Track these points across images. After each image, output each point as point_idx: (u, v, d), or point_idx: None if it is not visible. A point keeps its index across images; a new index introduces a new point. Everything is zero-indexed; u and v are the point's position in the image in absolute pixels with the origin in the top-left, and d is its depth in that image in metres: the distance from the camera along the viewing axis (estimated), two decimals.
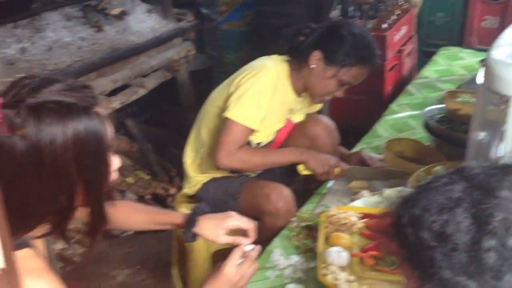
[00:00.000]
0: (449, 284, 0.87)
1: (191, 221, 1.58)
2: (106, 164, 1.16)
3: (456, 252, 0.87)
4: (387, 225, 1.01)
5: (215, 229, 1.57)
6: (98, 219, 1.20)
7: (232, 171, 2.27)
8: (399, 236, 0.96)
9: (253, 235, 1.55)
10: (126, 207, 1.66)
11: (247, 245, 1.48)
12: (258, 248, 1.47)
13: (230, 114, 2.06)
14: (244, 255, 1.43)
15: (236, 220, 1.58)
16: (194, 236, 1.59)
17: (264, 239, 2.03)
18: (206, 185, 2.27)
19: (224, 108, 2.11)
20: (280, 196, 2.08)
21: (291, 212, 2.09)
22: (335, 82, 2.14)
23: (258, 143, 2.24)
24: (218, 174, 2.28)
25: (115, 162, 1.23)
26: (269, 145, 2.30)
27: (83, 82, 1.16)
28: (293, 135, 2.39)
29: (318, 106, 2.51)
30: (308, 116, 2.45)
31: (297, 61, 2.19)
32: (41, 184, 1.06)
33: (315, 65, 2.13)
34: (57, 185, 1.08)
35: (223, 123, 2.10)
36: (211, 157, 2.20)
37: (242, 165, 2.13)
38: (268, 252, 1.87)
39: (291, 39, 2.21)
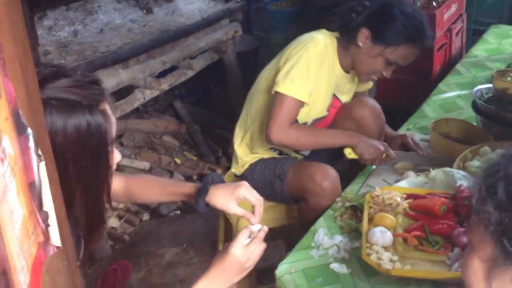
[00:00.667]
0: None
1: (202, 190, 1.53)
2: (105, 165, 1.15)
3: None
4: (488, 184, 0.94)
5: (225, 198, 1.51)
6: (94, 221, 1.19)
7: (281, 152, 2.30)
8: (507, 211, 0.89)
9: (260, 211, 1.51)
10: (141, 180, 1.65)
11: (255, 225, 1.44)
12: (265, 228, 1.43)
13: (280, 88, 2.08)
14: (252, 235, 1.39)
15: (246, 191, 1.51)
16: (207, 206, 1.53)
17: (309, 219, 2.07)
18: (253, 166, 2.31)
19: (273, 83, 2.12)
20: (326, 176, 2.10)
21: (336, 192, 2.11)
22: (381, 61, 2.13)
23: (305, 122, 2.24)
24: (266, 155, 2.32)
25: (117, 156, 1.22)
26: (321, 121, 2.30)
27: (92, 77, 1.15)
28: (339, 117, 2.40)
29: (367, 86, 2.50)
30: (355, 97, 2.45)
31: (347, 38, 2.19)
32: None
33: (362, 43, 2.13)
34: None
35: (274, 98, 2.11)
36: (261, 135, 2.24)
37: (293, 142, 2.15)
38: (312, 231, 1.90)
39: (344, 16, 2.21)
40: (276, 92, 2.09)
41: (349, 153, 2.19)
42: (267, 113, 2.16)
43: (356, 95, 2.48)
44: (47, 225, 0.78)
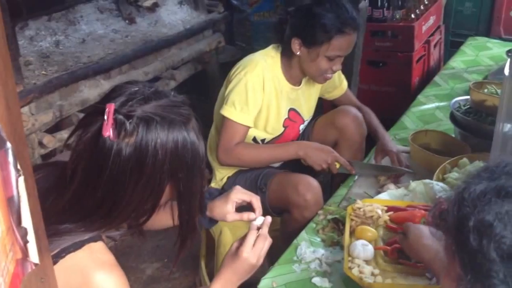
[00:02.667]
0: None
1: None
2: (200, 178, 1.23)
3: None
4: (439, 211, 0.96)
5: (221, 207, 1.57)
6: (187, 231, 1.28)
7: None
8: (458, 235, 0.89)
9: (258, 206, 1.55)
10: None
11: (257, 219, 1.48)
12: (268, 220, 1.47)
13: (224, 111, 2.13)
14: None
15: (239, 193, 1.58)
16: (211, 220, 1.61)
17: (291, 230, 2.07)
18: (232, 179, 2.31)
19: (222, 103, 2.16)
20: (308, 187, 2.11)
21: (319, 203, 2.12)
22: (323, 60, 2.13)
23: (263, 140, 2.28)
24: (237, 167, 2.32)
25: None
26: (276, 140, 2.32)
27: (182, 98, 1.24)
28: (321, 126, 2.42)
29: (340, 90, 2.51)
30: (339, 105, 2.49)
31: (286, 51, 2.21)
32: (136, 188, 1.14)
33: (298, 51, 2.15)
34: (148, 191, 1.16)
35: (222, 120, 2.16)
36: None
37: (238, 162, 2.19)
38: (294, 245, 1.90)
39: (277, 30, 2.22)
40: (222, 115, 2.13)
41: (303, 161, 2.20)
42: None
43: (340, 101, 2.51)
44: (26, 242, 0.78)
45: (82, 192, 1.15)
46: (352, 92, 3.07)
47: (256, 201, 1.57)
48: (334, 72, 2.21)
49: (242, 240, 1.41)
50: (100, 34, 3.51)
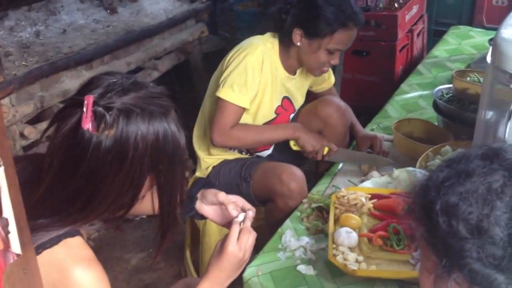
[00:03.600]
0: (478, 275, 0.85)
1: (190, 201, 1.53)
2: (181, 169, 1.22)
3: (490, 246, 0.84)
4: (409, 204, 0.98)
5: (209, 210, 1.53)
6: (168, 223, 1.26)
7: (240, 150, 2.31)
8: (427, 221, 0.91)
9: (239, 202, 1.50)
10: None
11: (239, 215, 1.43)
12: (249, 214, 1.43)
13: (220, 93, 2.11)
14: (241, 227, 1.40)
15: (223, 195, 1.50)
16: (201, 216, 1.55)
17: (276, 220, 2.08)
18: (217, 169, 2.31)
19: (217, 87, 2.14)
20: (293, 177, 2.11)
21: (303, 192, 2.13)
22: (323, 52, 2.14)
23: (262, 123, 2.28)
24: (228, 156, 2.32)
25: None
26: (270, 124, 2.31)
27: (161, 89, 1.22)
28: (305, 116, 2.42)
29: (328, 83, 2.52)
30: (321, 96, 2.49)
31: (285, 40, 2.21)
32: (114, 180, 1.12)
33: (299, 42, 2.15)
34: (128, 184, 1.14)
35: (217, 102, 2.14)
36: None
37: (236, 143, 2.19)
38: (279, 233, 1.91)
39: (276, 19, 2.22)
40: (218, 97, 2.12)
41: (293, 145, 2.24)
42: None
43: (323, 94, 2.51)
44: (7, 232, 0.77)
45: (57, 184, 1.12)
46: (336, 82, 3.10)
47: (239, 199, 1.50)
48: (331, 65, 2.22)
49: (225, 237, 1.37)
50: (81, 24, 3.46)
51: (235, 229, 1.37)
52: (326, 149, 2.21)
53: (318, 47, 2.13)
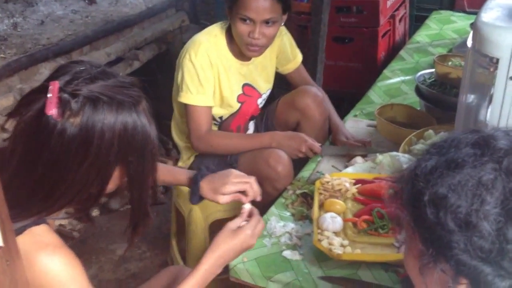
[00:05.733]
0: (465, 267, 0.85)
1: (195, 186, 1.63)
2: (151, 162, 1.20)
3: (478, 239, 0.83)
4: (395, 189, 0.97)
5: (214, 193, 1.62)
6: (139, 216, 1.24)
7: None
8: (415, 210, 0.91)
9: (251, 192, 1.60)
10: None
11: (246, 205, 1.55)
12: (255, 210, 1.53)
13: (181, 98, 2.14)
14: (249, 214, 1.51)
15: (232, 186, 1.60)
16: (201, 198, 1.65)
17: (263, 204, 2.08)
18: (200, 158, 2.31)
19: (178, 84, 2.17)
20: (279, 160, 2.13)
21: (289, 175, 2.15)
22: (238, 22, 2.09)
23: (220, 117, 2.29)
24: None
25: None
26: (234, 117, 2.32)
27: (131, 79, 1.20)
28: (283, 108, 2.42)
29: (295, 63, 2.47)
30: (294, 81, 2.49)
31: (231, 27, 2.20)
32: (79, 170, 1.10)
33: (229, 18, 2.15)
34: (93, 175, 1.12)
35: (183, 108, 2.17)
36: (186, 127, 2.27)
37: (210, 149, 2.20)
38: (264, 220, 1.90)
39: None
40: (182, 103, 2.15)
41: None
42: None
43: (291, 77, 2.49)
44: None
45: (20, 173, 1.10)
46: (319, 69, 3.09)
47: (249, 187, 1.60)
48: (254, 40, 2.10)
49: (237, 221, 1.46)
50: (59, 15, 3.42)
51: (256, 219, 1.47)
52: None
53: (234, 16, 2.09)
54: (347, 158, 2.23)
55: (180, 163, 2.38)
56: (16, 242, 0.88)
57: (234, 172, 1.64)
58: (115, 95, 1.11)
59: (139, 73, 3.51)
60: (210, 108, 2.17)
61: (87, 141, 1.08)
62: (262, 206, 2.05)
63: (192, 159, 2.32)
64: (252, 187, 1.61)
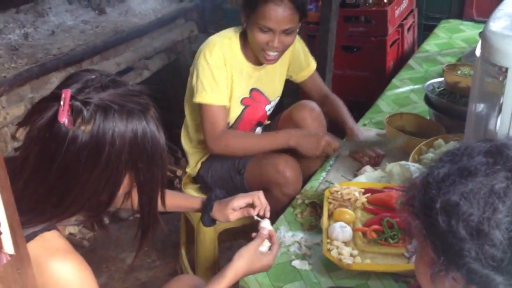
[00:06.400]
0: (476, 275, 0.85)
1: (207, 207, 1.69)
2: (161, 168, 1.21)
3: (490, 248, 0.83)
4: (406, 198, 0.97)
5: (223, 212, 1.67)
6: (148, 222, 1.25)
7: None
8: (426, 218, 0.90)
9: (258, 204, 1.67)
10: None
11: (264, 221, 1.61)
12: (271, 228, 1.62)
13: (196, 98, 2.13)
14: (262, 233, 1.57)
15: (240, 199, 1.67)
16: (213, 220, 1.71)
17: (272, 209, 2.08)
18: (207, 164, 2.31)
19: (192, 87, 2.17)
20: (288, 165, 2.13)
21: (298, 180, 2.15)
22: (256, 31, 2.08)
23: (227, 122, 2.26)
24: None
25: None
26: (239, 122, 2.31)
27: (140, 87, 1.21)
28: (282, 122, 2.41)
29: (308, 71, 2.47)
30: (307, 87, 2.50)
31: (245, 32, 2.20)
32: (90, 177, 1.11)
33: (245, 24, 2.15)
34: (104, 182, 1.13)
35: (199, 109, 2.17)
36: (197, 133, 2.30)
37: (226, 150, 2.17)
38: (273, 229, 1.90)
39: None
40: (198, 103, 2.14)
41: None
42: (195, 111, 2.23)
43: (306, 85, 2.49)
44: None
45: (33, 179, 1.11)
46: (327, 78, 3.10)
47: (257, 199, 1.67)
48: (272, 49, 2.12)
49: (259, 241, 1.54)
50: (70, 25, 3.45)
51: (277, 247, 1.57)
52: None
53: (252, 24, 2.09)
54: (363, 159, 2.23)
55: (187, 169, 2.38)
56: (27, 250, 0.88)
57: (241, 193, 1.71)
58: (125, 103, 1.12)
59: (148, 82, 3.53)
60: (225, 107, 2.16)
61: (98, 148, 1.09)
62: (272, 212, 2.06)
63: (199, 166, 2.32)
64: (259, 198, 1.66)
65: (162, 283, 1.76)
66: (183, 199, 1.80)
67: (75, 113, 1.07)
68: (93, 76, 1.15)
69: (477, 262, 0.84)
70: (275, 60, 2.18)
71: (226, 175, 2.25)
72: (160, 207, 1.29)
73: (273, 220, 1.95)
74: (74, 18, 3.53)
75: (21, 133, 2.79)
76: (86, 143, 1.08)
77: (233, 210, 1.67)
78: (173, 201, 1.70)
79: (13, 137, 2.63)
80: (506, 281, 0.84)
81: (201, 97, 2.12)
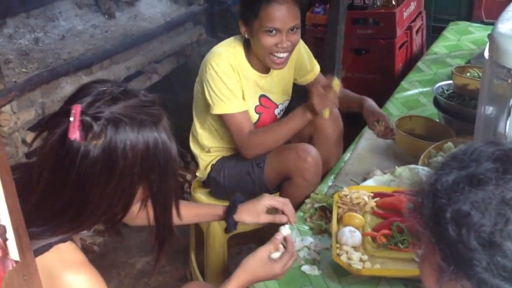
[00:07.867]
0: (487, 285, 0.83)
1: (231, 209, 1.70)
2: (174, 178, 1.21)
3: (502, 258, 0.81)
4: (415, 203, 0.95)
5: (253, 211, 1.71)
6: (164, 231, 1.26)
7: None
8: (436, 227, 0.88)
9: (289, 209, 1.71)
10: None
11: (285, 227, 1.58)
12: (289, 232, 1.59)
13: (215, 111, 2.14)
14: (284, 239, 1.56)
15: (270, 199, 1.71)
16: (236, 224, 1.71)
17: (295, 197, 2.10)
18: (218, 166, 2.31)
19: (200, 89, 2.19)
20: (308, 151, 2.15)
21: (319, 166, 2.17)
22: (262, 36, 2.08)
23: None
24: (224, 153, 2.33)
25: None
26: (258, 124, 2.30)
27: (152, 97, 1.21)
28: None
29: (312, 75, 2.46)
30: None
31: (246, 40, 2.21)
32: (104, 191, 1.11)
33: (246, 32, 2.15)
34: (119, 194, 1.13)
35: (221, 119, 2.18)
36: (210, 134, 2.31)
37: (260, 147, 2.17)
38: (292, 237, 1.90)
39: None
40: (219, 115, 2.16)
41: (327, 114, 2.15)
42: (205, 112, 2.24)
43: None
44: (5, 239, 0.77)
45: (48, 194, 1.12)
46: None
47: (287, 208, 1.70)
48: (281, 50, 2.11)
49: (269, 246, 1.51)
50: (80, 29, 3.47)
51: (288, 257, 1.52)
52: (326, 112, 2.13)
53: (256, 31, 2.09)
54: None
55: (197, 173, 2.38)
56: (33, 256, 0.89)
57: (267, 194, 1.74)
58: (136, 115, 1.12)
59: (158, 86, 3.54)
60: (246, 112, 2.17)
61: (111, 162, 1.09)
62: (293, 201, 2.05)
63: (209, 169, 2.32)
64: (288, 206, 1.70)
65: None
66: (203, 207, 1.82)
67: (85, 128, 1.08)
68: (104, 88, 1.15)
69: (488, 272, 0.83)
70: (284, 63, 2.17)
71: (243, 170, 2.25)
72: (177, 220, 1.30)
73: (296, 206, 1.98)
74: (84, 23, 3.55)
75: (32, 138, 2.83)
76: (99, 157, 1.08)
77: (265, 208, 1.70)
78: (191, 210, 1.72)
79: (24, 142, 2.65)
80: None
81: (219, 109, 2.13)
